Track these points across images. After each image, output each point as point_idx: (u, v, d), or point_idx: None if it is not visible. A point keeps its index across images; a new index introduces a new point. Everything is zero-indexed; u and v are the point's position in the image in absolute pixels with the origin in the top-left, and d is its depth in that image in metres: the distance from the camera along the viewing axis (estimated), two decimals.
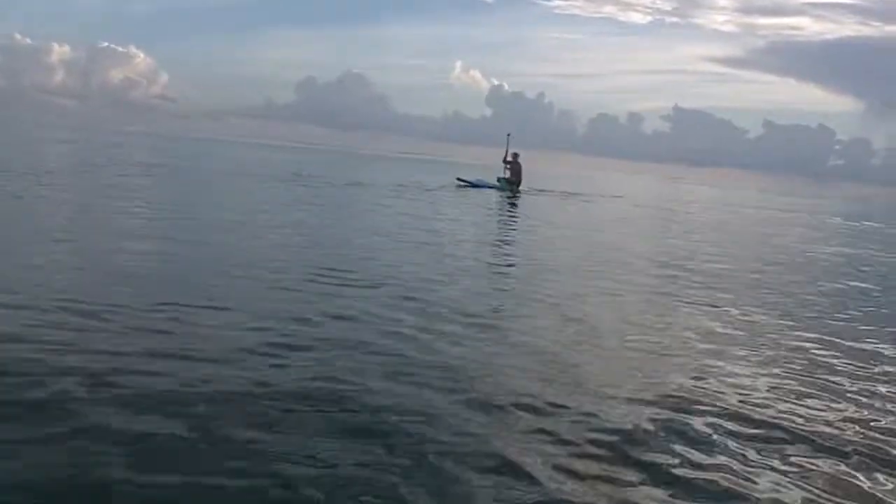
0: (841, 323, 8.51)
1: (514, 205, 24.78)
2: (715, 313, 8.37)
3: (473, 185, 30.84)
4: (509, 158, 29.43)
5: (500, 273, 10.49)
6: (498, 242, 14.40)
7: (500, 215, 21.61)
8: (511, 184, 29.28)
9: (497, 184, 29.82)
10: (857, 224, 35.83)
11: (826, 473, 4.13)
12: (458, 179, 32.64)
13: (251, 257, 9.19)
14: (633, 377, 5.54)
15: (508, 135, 29.61)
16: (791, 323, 8.21)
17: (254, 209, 15.78)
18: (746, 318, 8.25)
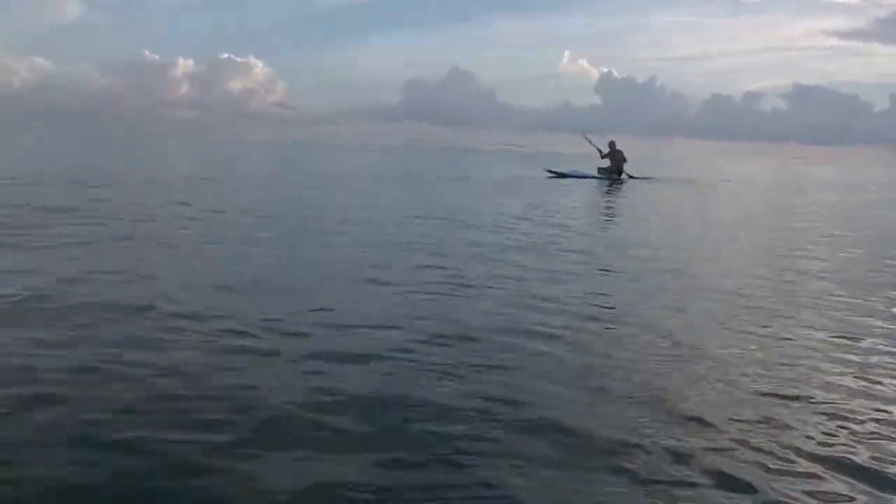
0: None
1: (613, 195, 23.82)
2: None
3: (565, 176, 29.35)
4: (605, 150, 28.73)
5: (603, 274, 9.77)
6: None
7: (599, 208, 20.90)
8: (611, 172, 28.53)
9: (597, 174, 28.90)
10: None
11: None
12: (548, 171, 30.99)
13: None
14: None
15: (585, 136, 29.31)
16: None
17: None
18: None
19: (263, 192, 19.46)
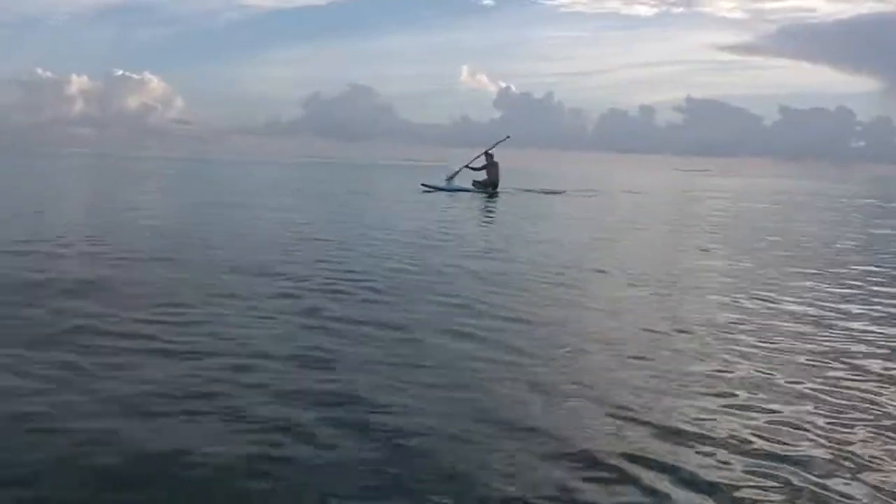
0: None
1: (491, 209, 23.25)
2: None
3: (441, 190, 28.46)
4: (477, 165, 28.25)
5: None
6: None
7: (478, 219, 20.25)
8: (486, 186, 27.88)
9: (472, 188, 28.25)
10: None
11: None
12: (423, 185, 29.40)
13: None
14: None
15: (507, 136, 28.94)
16: None
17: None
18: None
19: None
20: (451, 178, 28.91)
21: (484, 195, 26.93)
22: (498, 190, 28.06)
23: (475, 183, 28.24)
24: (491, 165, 28.09)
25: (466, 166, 28.46)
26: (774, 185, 64.72)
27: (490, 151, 28.21)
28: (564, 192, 33.08)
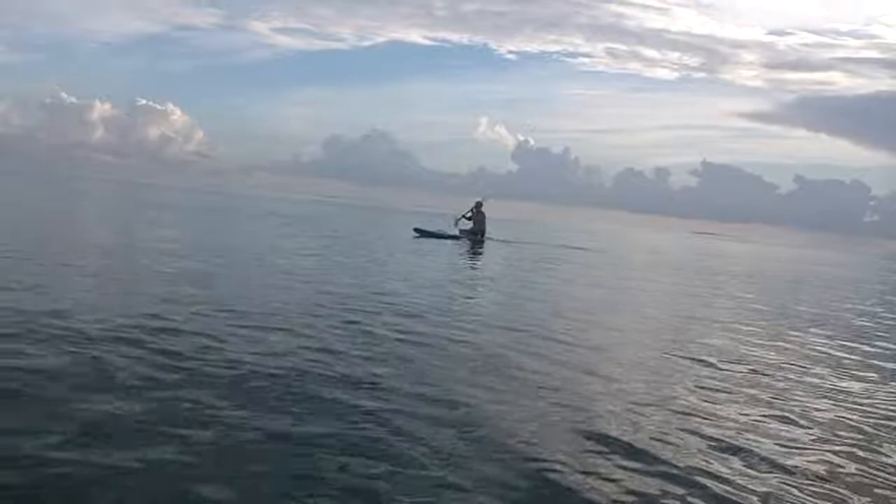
0: None
1: (477, 254, 23.53)
2: None
3: (432, 236, 29.27)
4: (469, 215, 29.00)
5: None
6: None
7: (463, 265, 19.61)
8: (474, 234, 28.67)
9: (459, 234, 28.95)
10: None
11: None
12: (415, 230, 30.31)
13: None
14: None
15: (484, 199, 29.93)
16: None
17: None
18: None
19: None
20: (457, 222, 29.37)
21: (469, 242, 27.53)
22: (483, 238, 28.70)
23: (462, 231, 28.98)
24: (478, 214, 28.92)
25: (464, 215, 29.09)
26: (788, 254, 64.64)
27: (479, 200, 29.35)
28: (585, 249, 33.42)
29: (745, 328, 11.06)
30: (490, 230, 29.51)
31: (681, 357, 8.04)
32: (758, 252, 62.16)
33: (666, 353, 8.19)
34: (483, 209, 29.01)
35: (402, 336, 7.73)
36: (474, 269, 18.40)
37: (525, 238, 37.44)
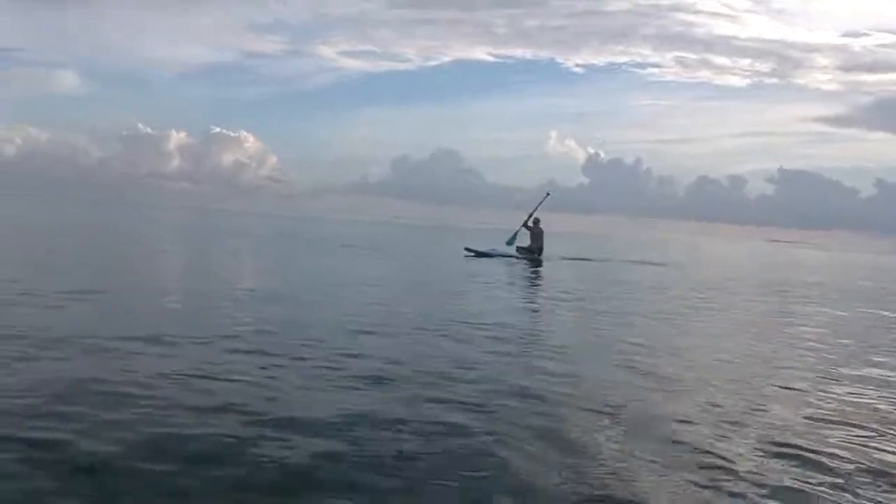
0: None
1: (536, 274, 22.62)
2: None
3: (484, 255, 27.55)
4: (530, 224, 27.17)
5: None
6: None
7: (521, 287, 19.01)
8: (531, 252, 26.91)
9: (515, 253, 27.15)
10: None
11: None
12: (467, 249, 29.06)
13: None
14: None
15: (548, 194, 28.14)
16: None
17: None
18: None
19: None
20: (511, 241, 27.77)
21: (527, 262, 26.01)
22: (541, 256, 27.12)
23: (519, 249, 27.34)
24: (536, 231, 27.27)
25: (524, 224, 27.41)
26: (871, 261, 62.26)
27: (536, 216, 27.35)
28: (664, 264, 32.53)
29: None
30: (558, 248, 28.48)
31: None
32: (839, 260, 59.94)
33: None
34: (541, 225, 27.26)
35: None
36: (544, 290, 18.00)
37: (597, 254, 36.89)
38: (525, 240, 27.43)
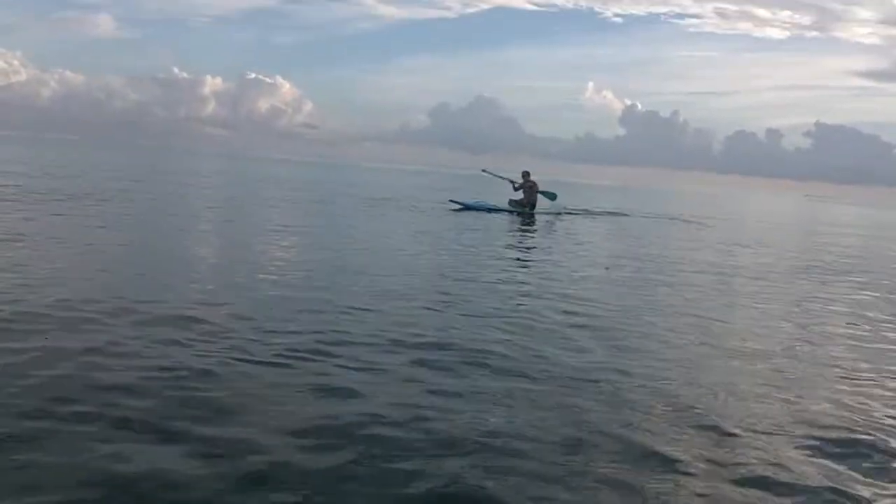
0: None
1: (529, 230, 21.97)
2: None
3: (471, 208, 26.84)
4: (518, 181, 26.68)
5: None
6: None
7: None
8: (523, 206, 26.38)
9: (508, 206, 26.68)
10: None
11: None
12: (452, 202, 28.22)
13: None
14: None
15: (483, 171, 28.32)
16: None
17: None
18: None
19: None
20: (503, 178, 27.60)
21: (519, 216, 25.61)
22: (534, 211, 26.69)
23: (512, 202, 26.91)
24: (528, 185, 26.75)
25: (513, 184, 26.97)
26: None
27: (526, 169, 27.14)
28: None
29: None
30: (599, 200, 27.45)
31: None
32: (882, 219, 59.03)
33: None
34: (532, 178, 26.79)
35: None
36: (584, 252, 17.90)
37: (637, 209, 36.64)
38: (519, 194, 26.80)
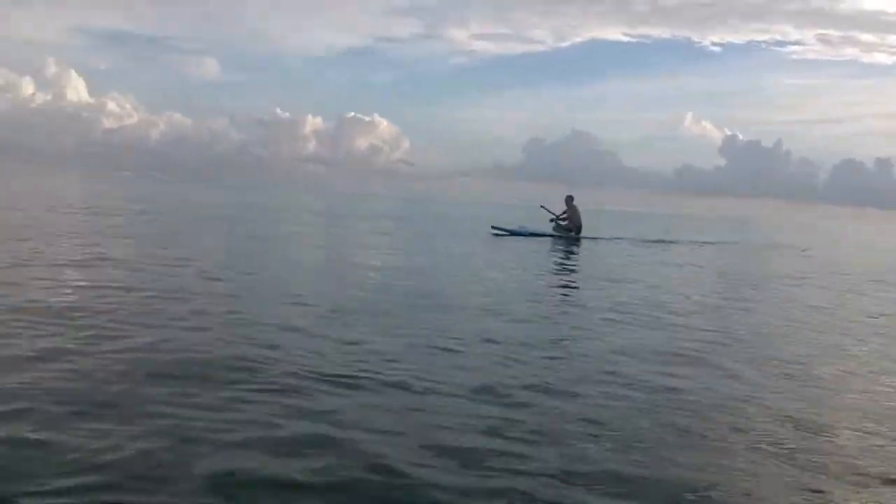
0: None
1: (572, 254, 21.80)
2: None
3: (514, 234, 26.65)
4: (561, 214, 26.46)
5: None
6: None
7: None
8: (569, 231, 26.15)
9: (553, 232, 26.35)
10: None
11: None
12: (494, 228, 27.98)
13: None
14: None
15: (542, 206, 27.13)
16: None
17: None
18: None
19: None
20: (553, 222, 26.77)
21: (565, 240, 25.44)
22: (581, 236, 26.36)
23: (557, 228, 26.55)
24: (573, 209, 26.49)
25: (557, 218, 26.69)
26: None
27: (569, 194, 26.69)
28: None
29: None
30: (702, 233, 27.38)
31: None
32: None
33: None
34: (574, 203, 26.46)
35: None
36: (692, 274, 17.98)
37: (732, 238, 35.79)
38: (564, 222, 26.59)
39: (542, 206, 27.83)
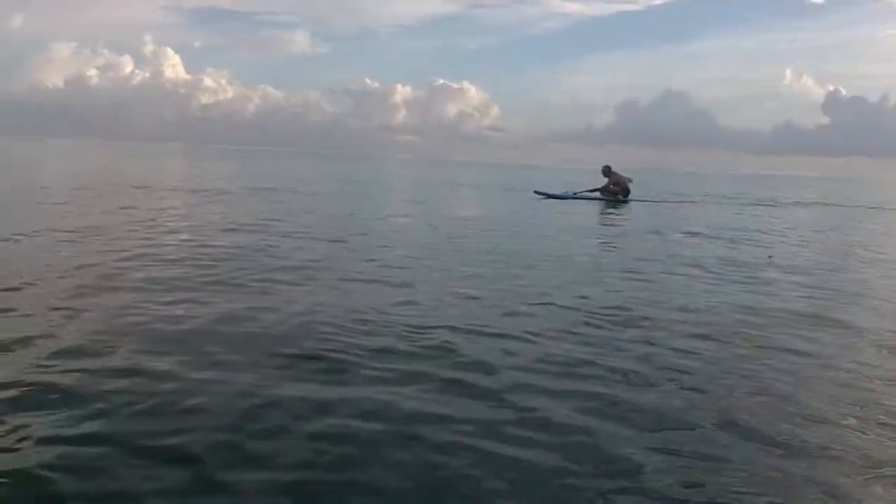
0: None
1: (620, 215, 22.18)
2: None
3: (557, 198, 26.91)
4: (603, 184, 26.88)
5: None
6: None
7: None
8: (615, 194, 26.63)
9: (600, 196, 26.78)
10: None
11: None
12: (537, 192, 28.80)
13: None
14: None
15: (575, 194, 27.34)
16: None
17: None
18: None
19: None
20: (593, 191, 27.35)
21: (612, 203, 26.05)
22: (627, 198, 26.82)
23: (603, 192, 27.04)
24: (614, 175, 27.08)
25: (595, 189, 27.15)
26: None
27: (607, 164, 27.41)
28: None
29: None
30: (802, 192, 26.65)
31: None
32: None
33: None
34: (614, 169, 27.15)
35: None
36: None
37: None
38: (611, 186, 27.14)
39: (535, 192, 28.89)
